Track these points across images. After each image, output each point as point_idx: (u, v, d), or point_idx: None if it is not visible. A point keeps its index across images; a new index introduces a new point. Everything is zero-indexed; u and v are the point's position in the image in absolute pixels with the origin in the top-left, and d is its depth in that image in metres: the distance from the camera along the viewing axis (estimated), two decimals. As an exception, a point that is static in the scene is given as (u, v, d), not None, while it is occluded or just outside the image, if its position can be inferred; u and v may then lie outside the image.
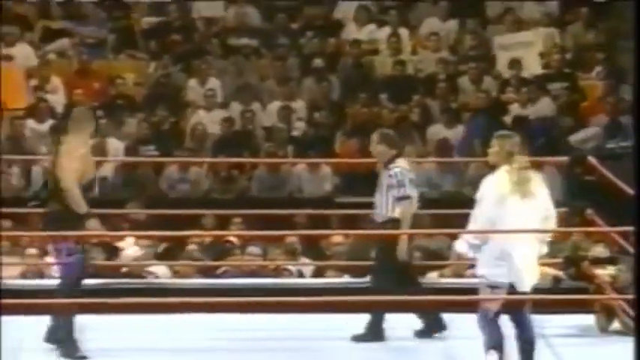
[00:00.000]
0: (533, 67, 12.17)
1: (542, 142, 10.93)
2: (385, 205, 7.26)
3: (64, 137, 6.85)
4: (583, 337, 7.51)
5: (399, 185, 7.23)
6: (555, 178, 9.66)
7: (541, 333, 7.32)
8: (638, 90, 6.85)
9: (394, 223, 7.24)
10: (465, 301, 6.79)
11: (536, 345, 6.50)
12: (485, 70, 12.20)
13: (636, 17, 7.75)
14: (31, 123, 11.47)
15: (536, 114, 11.58)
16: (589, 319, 7.63)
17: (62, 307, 6.74)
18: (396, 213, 7.23)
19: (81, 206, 6.70)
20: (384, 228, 7.26)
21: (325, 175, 11.08)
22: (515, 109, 11.70)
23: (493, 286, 6.36)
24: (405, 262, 7.25)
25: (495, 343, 6.38)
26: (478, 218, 6.36)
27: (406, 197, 7.23)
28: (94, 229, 6.85)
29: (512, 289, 6.37)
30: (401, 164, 7.31)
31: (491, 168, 6.51)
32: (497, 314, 6.37)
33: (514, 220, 6.31)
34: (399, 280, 7.21)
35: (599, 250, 8.65)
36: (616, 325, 7.50)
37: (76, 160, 6.72)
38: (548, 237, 6.50)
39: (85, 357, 6.80)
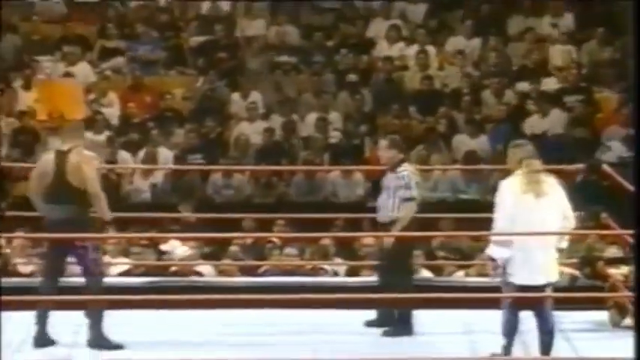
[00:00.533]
0: (550, 83, 12.12)
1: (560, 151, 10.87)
2: (392, 205, 7.20)
3: (67, 147, 6.72)
4: (597, 332, 7.45)
5: (407, 187, 7.19)
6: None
7: (559, 328, 7.27)
8: (638, 92, 6.73)
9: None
10: (484, 298, 6.75)
11: (554, 337, 6.45)
12: (507, 85, 12.14)
13: (636, 17, 7.60)
14: (88, 134, 11.51)
15: (551, 125, 11.52)
16: (603, 315, 7.56)
17: (106, 303, 6.71)
18: (401, 213, 7.19)
19: (107, 213, 6.66)
20: (391, 228, 7.19)
21: (358, 181, 11.05)
22: (534, 120, 11.64)
23: (508, 282, 6.37)
24: (399, 258, 7.21)
25: (506, 330, 6.41)
26: (499, 220, 6.33)
27: (412, 198, 7.19)
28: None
29: (530, 285, 6.34)
30: (408, 168, 7.28)
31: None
32: (513, 305, 6.35)
33: (530, 217, 6.29)
34: (396, 276, 7.18)
35: (613, 251, 8.58)
36: (628, 320, 7.42)
37: (94, 169, 6.70)
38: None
39: (120, 346, 6.76)
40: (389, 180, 7.26)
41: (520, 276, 6.32)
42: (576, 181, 10.12)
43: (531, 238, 6.29)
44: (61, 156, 6.70)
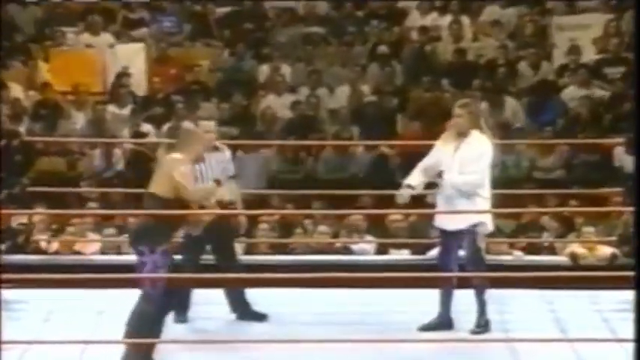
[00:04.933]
0: (589, 51, 11.99)
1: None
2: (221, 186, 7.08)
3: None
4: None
5: (231, 165, 7.22)
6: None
7: (597, 308, 7.22)
8: (638, 90, 6.69)
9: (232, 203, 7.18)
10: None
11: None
12: (544, 56, 12.03)
13: (636, 17, 7.52)
14: (112, 107, 11.55)
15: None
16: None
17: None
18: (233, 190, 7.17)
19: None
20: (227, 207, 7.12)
21: (388, 157, 10.99)
22: (572, 91, 11.53)
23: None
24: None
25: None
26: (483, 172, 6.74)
27: (236, 175, 7.23)
28: None
29: None
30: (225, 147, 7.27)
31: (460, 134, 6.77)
32: None
33: None
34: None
35: (654, 228, 8.45)
36: (669, 301, 7.33)
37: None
38: None
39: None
40: (211, 161, 7.05)
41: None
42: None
43: None
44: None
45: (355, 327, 6.98)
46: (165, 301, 6.14)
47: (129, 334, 6.11)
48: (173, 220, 6.15)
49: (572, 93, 11.50)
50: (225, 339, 6.68)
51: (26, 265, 7.71)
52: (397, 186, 7.03)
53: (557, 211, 9.40)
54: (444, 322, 6.81)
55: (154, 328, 6.13)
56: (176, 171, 6.10)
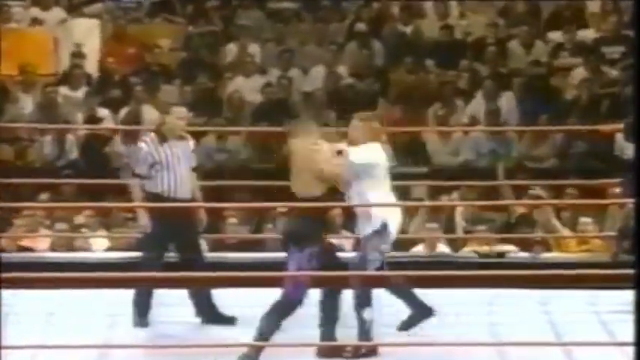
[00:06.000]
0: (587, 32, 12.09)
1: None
2: (187, 177, 7.19)
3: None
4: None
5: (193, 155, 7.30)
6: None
7: (594, 310, 7.27)
8: (638, 89, 6.79)
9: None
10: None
11: None
12: (536, 35, 12.09)
13: (636, 17, 7.62)
14: (64, 90, 11.53)
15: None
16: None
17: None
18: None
19: None
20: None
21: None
22: (577, 75, 11.56)
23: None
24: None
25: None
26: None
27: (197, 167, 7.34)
28: None
29: None
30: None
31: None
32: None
33: None
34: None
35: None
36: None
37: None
38: None
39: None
40: (173, 149, 7.18)
41: None
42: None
43: None
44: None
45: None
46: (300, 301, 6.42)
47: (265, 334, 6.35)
48: (324, 219, 6.46)
49: (579, 76, 11.52)
50: (190, 344, 6.68)
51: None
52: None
53: (541, 204, 9.44)
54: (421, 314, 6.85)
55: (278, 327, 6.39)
56: (323, 164, 6.36)
